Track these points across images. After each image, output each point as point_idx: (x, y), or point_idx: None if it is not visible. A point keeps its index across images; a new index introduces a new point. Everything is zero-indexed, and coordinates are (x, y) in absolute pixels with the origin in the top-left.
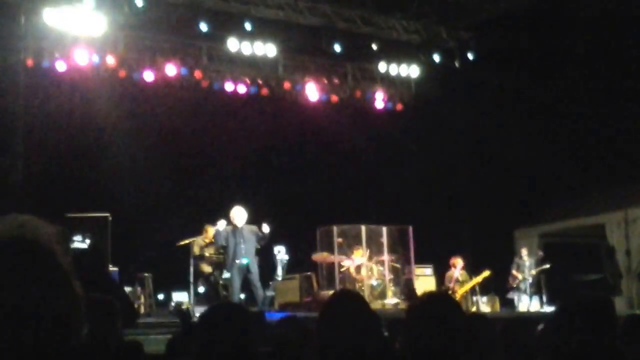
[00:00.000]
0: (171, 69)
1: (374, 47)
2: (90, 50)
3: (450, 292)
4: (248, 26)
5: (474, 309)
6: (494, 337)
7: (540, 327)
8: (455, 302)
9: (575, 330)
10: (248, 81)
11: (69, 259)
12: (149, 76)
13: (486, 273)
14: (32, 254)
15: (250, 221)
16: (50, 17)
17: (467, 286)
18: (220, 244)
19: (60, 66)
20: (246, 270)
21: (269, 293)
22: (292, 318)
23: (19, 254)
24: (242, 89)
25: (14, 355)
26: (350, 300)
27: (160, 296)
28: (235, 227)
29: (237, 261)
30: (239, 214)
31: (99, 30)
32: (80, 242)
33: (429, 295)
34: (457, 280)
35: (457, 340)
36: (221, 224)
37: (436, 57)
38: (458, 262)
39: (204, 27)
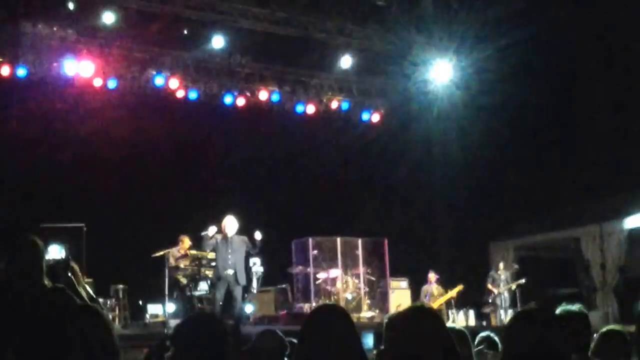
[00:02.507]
0: (147, 78)
1: (350, 57)
2: (65, 58)
3: None
4: (225, 36)
5: (449, 323)
6: (471, 351)
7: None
8: (437, 315)
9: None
10: (224, 91)
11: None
12: (124, 85)
13: (459, 287)
14: None
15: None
16: (26, 26)
17: (441, 300)
18: (206, 249)
19: (35, 75)
20: (233, 281)
21: (248, 307)
22: (271, 332)
23: None
24: (217, 98)
25: None
26: (333, 314)
27: (136, 308)
28: (225, 236)
29: (225, 271)
30: (230, 224)
31: (74, 39)
32: (55, 253)
33: (411, 309)
34: (432, 295)
35: (439, 353)
36: (212, 230)
37: (412, 69)
38: (432, 276)
39: (184, 36)
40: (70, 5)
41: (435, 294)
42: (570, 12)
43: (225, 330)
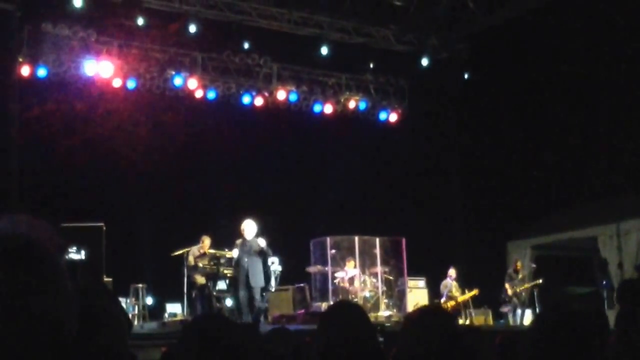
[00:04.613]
0: (166, 78)
1: (367, 57)
2: (85, 59)
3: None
4: (242, 36)
5: (466, 322)
6: (488, 350)
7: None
8: (449, 316)
9: (561, 342)
10: (242, 91)
11: (63, 258)
12: (143, 85)
13: (474, 292)
14: (27, 251)
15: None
16: (47, 27)
17: (457, 301)
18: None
19: (55, 75)
20: (248, 282)
21: (264, 305)
22: (282, 330)
23: (13, 250)
24: (235, 98)
25: (8, 352)
26: (349, 310)
27: (153, 306)
28: (244, 240)
29: (240, 275)
30: (248, 227)
31: (94, 39)
32: (75, 253)
33: (423, 309)
34: (450, 290)
35: (450, 354)
36: (238, 241)
37: (429, 68)
38: (453, 272)
39: (202, 36)
40: (77, 3)
41: (454, 290)
42: None
43: (235, 330)
